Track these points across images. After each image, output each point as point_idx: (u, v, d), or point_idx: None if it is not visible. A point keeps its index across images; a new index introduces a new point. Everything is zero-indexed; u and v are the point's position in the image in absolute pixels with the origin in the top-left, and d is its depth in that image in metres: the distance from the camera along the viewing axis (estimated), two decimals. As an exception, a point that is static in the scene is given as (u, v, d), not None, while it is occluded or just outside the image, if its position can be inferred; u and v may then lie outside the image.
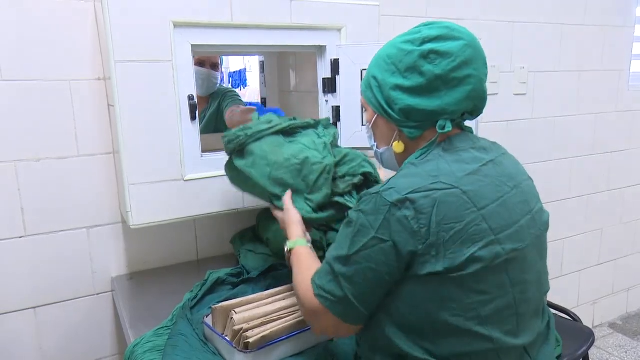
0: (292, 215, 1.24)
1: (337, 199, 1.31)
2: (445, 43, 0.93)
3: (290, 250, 1.15)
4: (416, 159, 0.95)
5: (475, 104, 0.97)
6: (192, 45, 1.48)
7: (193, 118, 1.51)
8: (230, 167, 1.41)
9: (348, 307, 0.92)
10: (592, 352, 2.65)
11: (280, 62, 2.05)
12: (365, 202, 0.90)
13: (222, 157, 1.59)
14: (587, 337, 2.03)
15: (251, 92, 2.17)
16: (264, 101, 2.08)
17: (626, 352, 2.79)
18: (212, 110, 1.97)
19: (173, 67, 1.44)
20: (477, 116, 1.02)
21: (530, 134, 2.48)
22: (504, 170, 0.95)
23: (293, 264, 1.11)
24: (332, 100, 1.71)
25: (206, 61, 1.90)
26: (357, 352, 1.08)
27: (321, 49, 1.70)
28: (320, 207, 1.30)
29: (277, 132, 1.35)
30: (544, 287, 1.01)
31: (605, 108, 2.73)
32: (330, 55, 1.67)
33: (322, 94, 1.72)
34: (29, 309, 1.57)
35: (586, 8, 2.51)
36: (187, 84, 1.49)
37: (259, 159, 1.30)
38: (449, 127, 0.94)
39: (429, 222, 0.83)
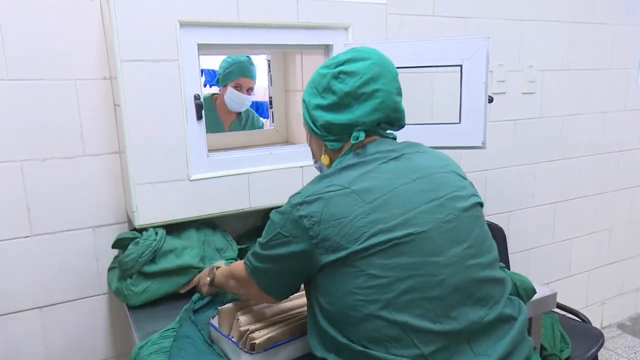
0: (204, 270, 1.48)
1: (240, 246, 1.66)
2: (353, 64, 1.07)
3: (217, 269, 1.36)
4: (331, 168, 1.07)
5: (388, 114, 1.09)
6: (198, 44, 1.47)
7: (199, 117, 1.50)
8: (138, 283, 1.44)
9: (259, 278, 1.09)
10: (601, 353, 2.63)
11: (287, 61, 2.05)
12: (285, 205, 1.04)
13: (229, 156, 1.59)
14: (596, 338, 2.01)
15: (258, 92, 2.16)
16: (270, 100, 2.07)
17: (635, 353, 2.77)
18: (241, 124, 2.22)
19: (179, 67, 1.44)
20: (398, 127, 1.14)
21: (538, 133, 2.46)
22: (409, 165, 1.04)
23: (226, 275, 1.29)
24: (339, 99, 1.70)
25: (243, 85, 2.10)
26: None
27: (328, 48, 1.69)
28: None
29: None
30: (470, 273, 0.98)
31: (614, 107, 2.70)
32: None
33: (329, 93, 1.71)
34: (34, 309, 1.57)
35: (595, 6, 2.48)
36: (193, 83, 1.48)
37: (189, 247, 1.51)
38: (361, 137, 1.07)
39: (319, 219, 0.96)
